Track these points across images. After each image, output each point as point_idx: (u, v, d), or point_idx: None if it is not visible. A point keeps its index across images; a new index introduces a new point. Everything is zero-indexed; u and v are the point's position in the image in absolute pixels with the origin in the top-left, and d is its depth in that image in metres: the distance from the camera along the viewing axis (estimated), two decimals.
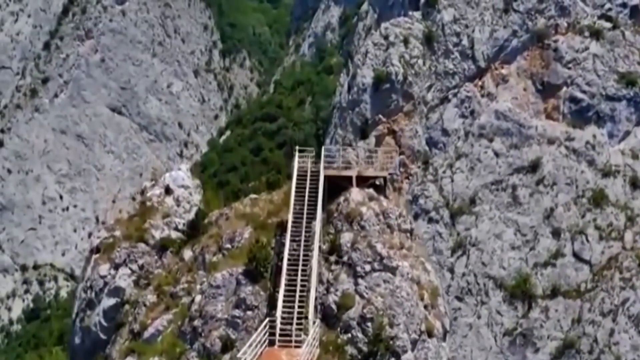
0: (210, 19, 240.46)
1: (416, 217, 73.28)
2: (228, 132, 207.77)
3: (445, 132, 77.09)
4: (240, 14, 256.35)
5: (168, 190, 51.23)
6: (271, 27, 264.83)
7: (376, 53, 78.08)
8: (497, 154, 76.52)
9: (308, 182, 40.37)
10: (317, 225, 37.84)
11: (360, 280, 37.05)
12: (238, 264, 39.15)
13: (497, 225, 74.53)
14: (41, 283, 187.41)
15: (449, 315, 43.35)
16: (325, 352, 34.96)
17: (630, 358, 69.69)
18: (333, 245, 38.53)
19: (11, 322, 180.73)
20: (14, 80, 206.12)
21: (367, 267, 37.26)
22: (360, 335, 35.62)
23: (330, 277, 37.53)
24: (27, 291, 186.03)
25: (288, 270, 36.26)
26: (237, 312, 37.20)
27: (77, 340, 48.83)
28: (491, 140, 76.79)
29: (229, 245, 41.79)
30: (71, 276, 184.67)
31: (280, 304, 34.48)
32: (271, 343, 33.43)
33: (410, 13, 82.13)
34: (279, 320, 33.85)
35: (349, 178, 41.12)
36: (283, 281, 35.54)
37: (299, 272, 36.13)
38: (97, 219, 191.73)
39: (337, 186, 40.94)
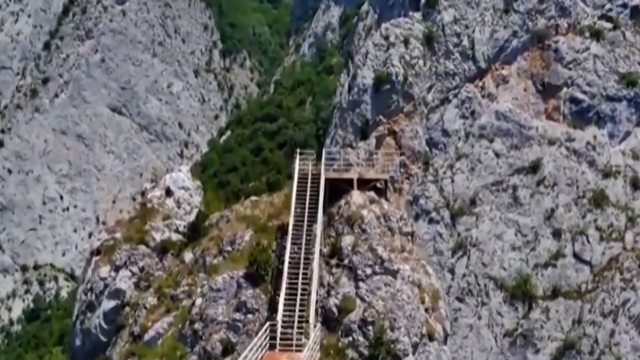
0: (211, 19, 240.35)
1: (417, 217, 73.26)
2: (228, 132, 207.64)
3: (445, 132, 77.08)
4: (240, 14, 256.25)
5: (168, 192, 51.22)
6: (271, 27, 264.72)
7: (376, 54, 78.09)
8: (497, 155, 76.50)
9: (309, 184, 40.31)
10: (318, 228, 37.77)
11: (361, 284, 36.99)
12: (239, 266, 39.10)
13: (498, 225, 74.51)
14: (41, 283, 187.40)
15: (450, 317, 43.33)
16: (326, 355, 34.91)
17: (631, 359, 69.69)
18: (334, 248, 38.47)
19: (11, 323, 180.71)
20: (14, 81, 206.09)
21: (368, 271, 37.20)
22: (361, 338, 35.56)
23: (331, 280, 37.47)
24: (27, 291, 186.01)
25: (289, 273, 36.18)
26: (237, 316, 37.15)
27: (77, 342, 48.81)
28: (492, 141, 76.77)
29: (229, 248, 41.77)
30: (71, 276, 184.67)
31: (281, 307, 34.40)
32: (272, 347, 33.34)
33: (410, 13, 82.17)
34: (279, 324, 33.77)
35: (350, 181, 41.05)
36: (284, 284, 35.47)
37: (300, 276, 36.06)
38: (98, 219, 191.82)
39: (338, 189, 40.88)
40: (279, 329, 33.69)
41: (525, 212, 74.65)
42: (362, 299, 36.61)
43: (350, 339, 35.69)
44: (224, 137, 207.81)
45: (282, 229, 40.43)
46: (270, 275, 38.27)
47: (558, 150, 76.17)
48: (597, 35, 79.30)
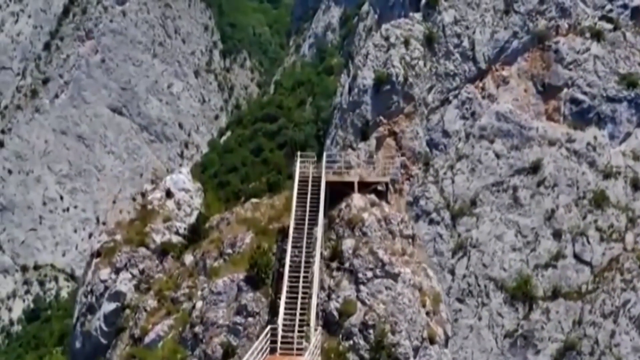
0: (211, 20, 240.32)
1: (417, 218, 73.17)
2: (228, 133, 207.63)
3: (446, 133, 76.97)
4: (240, 14, 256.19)
5: (169, 194, 51.19)
6: (271, 27, 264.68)
7: (377, 54, 77.98)
8: (497, 156, 76.40)
9: (310, 187, 40.27)
10: (319, 231, 37.75)
11: (362, 287, 36.96)
12: (239, 269, 39.08)
13: (498, 226, 74.42)
14: (41, 283, 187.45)
15: (450, 319, 43.26)
16: (327, 359, 34.88)
17: (632, 359, 69.68)
18: (335, 251, 38.45)
19: (12, 323, 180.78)
20: (15, 81, 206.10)
21: (369, 274, 37.15)
22: (362, 342, 35.51)
23: (331, 283, 37.44)
24: (27, 292, 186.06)
25: (289, 276, 36.16)
26: (238, 319, 37.14)
27: (77, 344, 48.80)
28: (492, 142, 76.67)
29: (230, 251, 41.74)
30: (71, 277, 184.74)
31: (281, 311, 34.38)
32: (273, 350, 33.32)
33: (410, 14, 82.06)
34: (280, 328, 33.72)
35: (351, 184, 41.00)
36: (284, 288, 35.46)
37: (301, 279, 36.04)
38: (98, 220, 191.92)
39: (338, 191, 40.82)
40: (280, 333, 33.65)
41: (525, 212, 74.54)
42: (363, 303, 36.58)
43: (351, 342, 35.66)
44: (224, 138, 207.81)
45: (283, 232, 40.40)
46: (270, 278, 38.25)
47: (558, 151, 76.07)
48: (597, 36, 79.16)
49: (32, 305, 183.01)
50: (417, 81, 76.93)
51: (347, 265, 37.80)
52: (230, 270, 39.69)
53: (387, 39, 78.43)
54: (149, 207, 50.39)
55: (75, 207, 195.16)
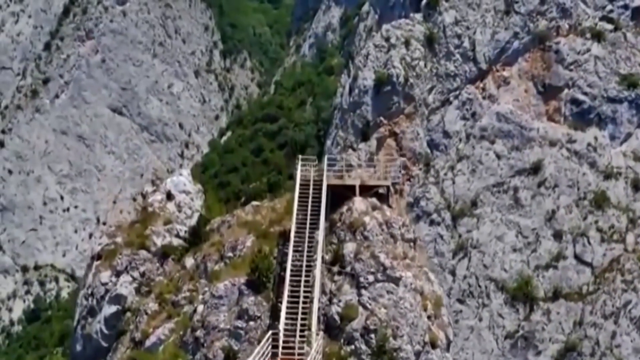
0: (211, 20, 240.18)
1: (417, 219, 73.06)
2: (229, 133, 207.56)
3: (446, 134, 76.85)
4: (240, 14, 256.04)
5: (169, 196, 51.09)
6: (272, 27, 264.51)
7: (377, 55, 77.84)
8: (498, 156, 76.30)
9: (311, 191, 40.20)
10: (320, 235, 37.68)
11: (363, 291, 36.87)
12: (240, 273, 39.01)
13: (499, 227, 74.34)
14: (42, 284, 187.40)
15: (452, 323, 43.19)
16: None
17: None
18: (336, 255, 38.37)
19: (12, 323, 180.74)
20: (15, 81, 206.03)
21: (371, 278, 37.07)
22: (363, 346, 35.44)
23: (333, 287, 37.36)
24: (27, 292, 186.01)
25: (291, 280, 36.10)
26: (239, 323, 37.08)
27: (78, 347, 48.77)
28: (492, 142, 76.57)
29: (231, 254, 41.67)
30: (72, 277, 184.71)
31: (283, 315, 34.32)
32: (274, 355, 33.27)
33: (411, 15, 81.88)
34: (281, 332, 33.67)
35: (352, 187, 40.93)
36: (286, 292, 35.40)
37: (302, 283, 35.99)
38: (98, 220, 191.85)
39: (340, 195, 40.74)
40: (281, 337, 33.60)
41: (526, 213, 74.46)
42: (365, 307, 36.50)
43: (353, 347, 35.57)
44: (224, 138, 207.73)
45: (284, 235, 40.33)
46: (272, 282, 38.18)
47: (559, 151, 75.97)
48: (598, 36, 79.04)
49: (32, 306, 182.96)
50: (418, 82, 76.80)
51: (348, 269, 37.73)
52: (231, 273, 39.64)
53: (387, 39, 78.29)
54: (150, 209, 50.32)
55: (76, 207, 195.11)
